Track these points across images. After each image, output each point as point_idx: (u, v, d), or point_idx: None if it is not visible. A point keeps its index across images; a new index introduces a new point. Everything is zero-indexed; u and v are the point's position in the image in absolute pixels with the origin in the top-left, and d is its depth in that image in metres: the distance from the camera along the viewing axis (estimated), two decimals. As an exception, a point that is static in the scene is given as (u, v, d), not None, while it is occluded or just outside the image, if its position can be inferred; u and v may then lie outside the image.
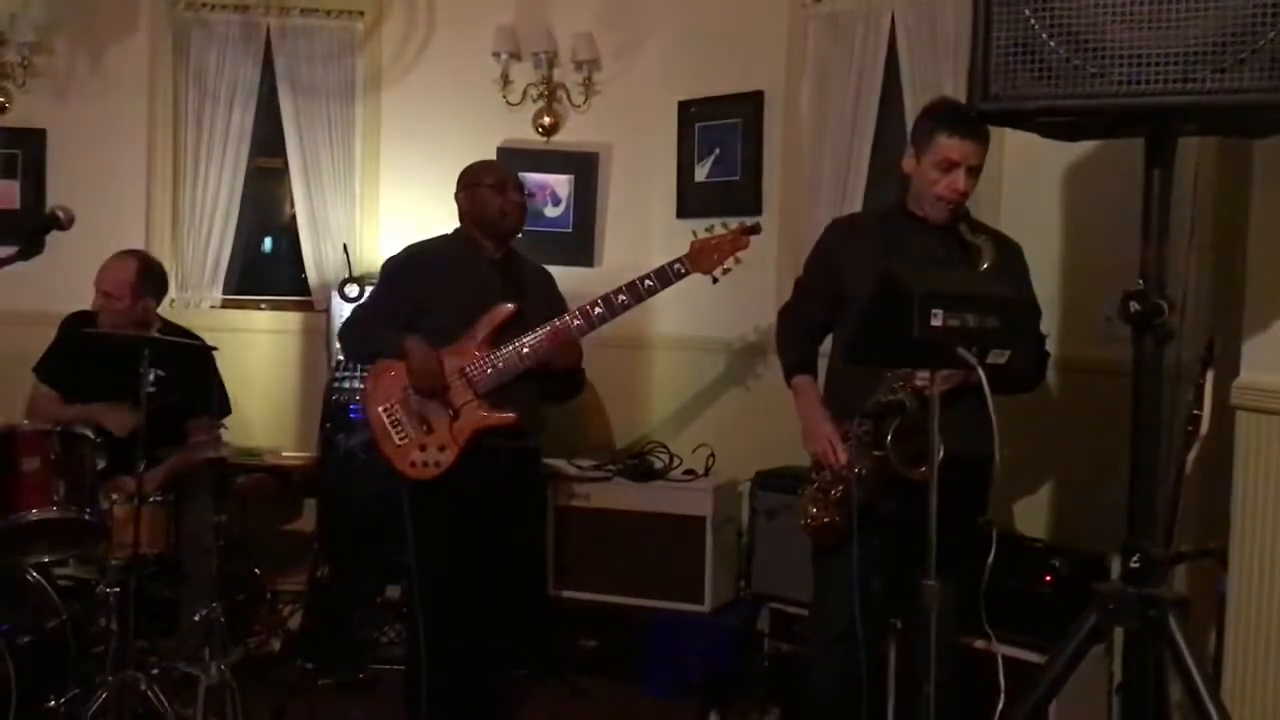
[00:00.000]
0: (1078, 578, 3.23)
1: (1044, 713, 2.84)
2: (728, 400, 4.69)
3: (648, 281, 3.48)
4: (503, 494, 3.51)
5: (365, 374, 3.79)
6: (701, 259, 3.50)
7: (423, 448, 3.44)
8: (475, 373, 3.44)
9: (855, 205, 4.45)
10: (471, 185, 3.57)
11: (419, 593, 3.50)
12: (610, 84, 5.00)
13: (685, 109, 4.86)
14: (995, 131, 3.03)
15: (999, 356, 2.31)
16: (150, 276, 4.05)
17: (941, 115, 2.96)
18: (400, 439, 3.46)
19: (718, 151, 4.79)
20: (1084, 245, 3.76)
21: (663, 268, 3.50)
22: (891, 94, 4.37)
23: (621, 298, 3.46)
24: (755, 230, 3.58)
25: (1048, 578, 3.31)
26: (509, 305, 3.46)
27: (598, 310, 3.47)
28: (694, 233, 3.53)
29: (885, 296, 2.28)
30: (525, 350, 3.44)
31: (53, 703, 3.40)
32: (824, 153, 4.51)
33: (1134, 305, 2.18)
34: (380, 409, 3.49)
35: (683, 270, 3.50)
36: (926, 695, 2.36)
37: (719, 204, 4.76)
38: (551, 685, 4.29)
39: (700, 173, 4.84)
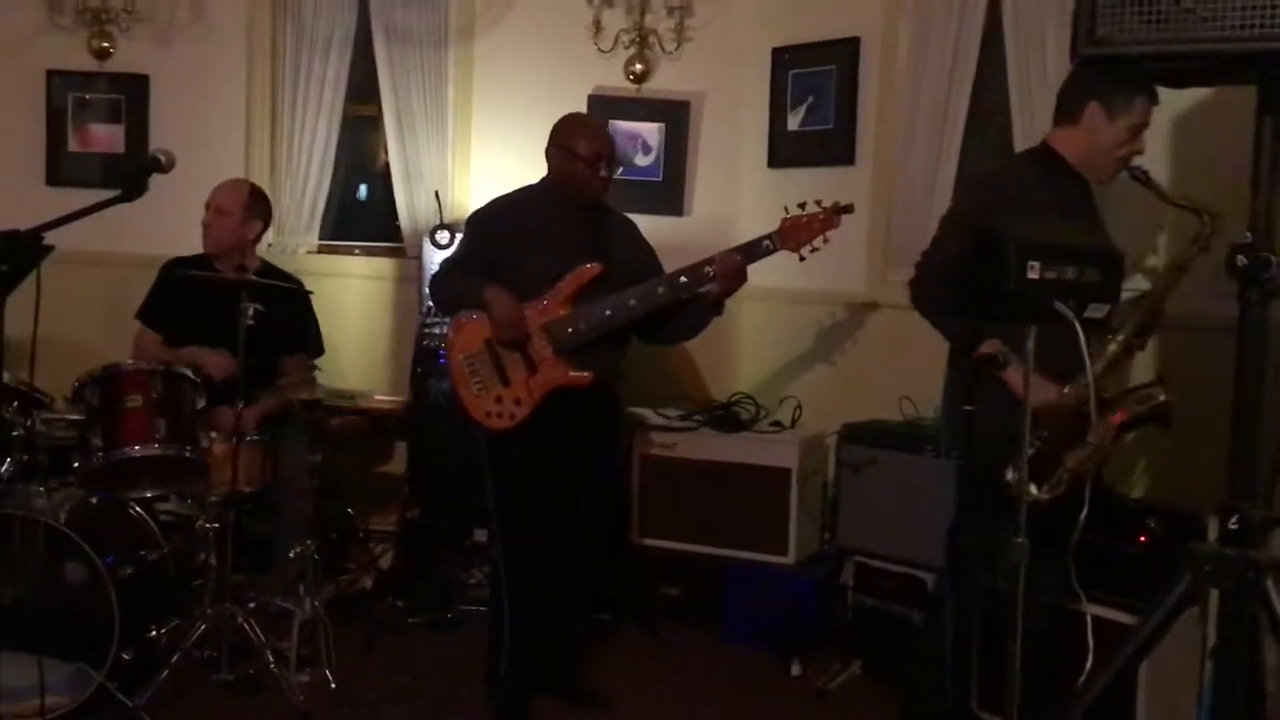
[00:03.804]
0: (1173, 538, 3.15)
1: (1133, 675, 2.80)
2: (816, 353, 4.65)
3: (735, 256, 3.44)
4: (580, 444, 3.53)
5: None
6: (790, 237, 3.44)
7: (499, 399, 3.47)
8: (557, 330, 3.45)
9: (952, 155, 4.36)
10: (565, 149, 3.51)
11: (498, 538, 3.56)
12: (703, 30, 4.93)
13: (779, 56, 4.79)
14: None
15: (1097, 310, 2.25)
16: (261, 199, 4.21)
17: (1142, 79, 2.85)
18: (477, 388, 3.49)
19: (811, 99, 4.72)
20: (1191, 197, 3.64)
21: (750, 243, 3.46)
22: (992, 40, 4.25)
23: (708, 269, 3.43)
24: (848, 210, 3.50)
25: (1142, 537, 3.24)
26: (596, 265, 3.45)
27: (683, 280, 3.45)
28: (785, 209, 3.47)
29: (981, 247, 2.24)
30: (608, 312, 3.44)
31: (154, 633, 3.54)
32: (921, 101, 4.42)
33: (1241, 259, 2.10)
34: (461, 356, 3.52)
35: (771, 247, 3.45)
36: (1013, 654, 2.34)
37: (811, 153, 4.71)
38: (632, 630, 4.34)
39: (793, 121, 4.77)
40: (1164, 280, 3.03)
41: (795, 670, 3.96)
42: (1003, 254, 2.17)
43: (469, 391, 3.51)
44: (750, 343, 4.92)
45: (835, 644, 4.05)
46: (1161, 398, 2.88)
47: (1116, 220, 3.25)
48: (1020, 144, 4.10)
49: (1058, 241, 2.25)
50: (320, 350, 4.27)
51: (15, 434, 3.32)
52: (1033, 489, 2.80)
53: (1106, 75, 2.93)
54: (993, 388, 2.90)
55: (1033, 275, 2.15)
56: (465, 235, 3.73)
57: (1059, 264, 2.17)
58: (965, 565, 3.11)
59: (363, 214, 5.49)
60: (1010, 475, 2.79)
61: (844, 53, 4.59)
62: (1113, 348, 2.91)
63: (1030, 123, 4.06)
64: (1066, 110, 3.05)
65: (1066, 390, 2.84)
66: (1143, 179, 3.00)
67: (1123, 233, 3.14)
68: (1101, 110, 2.95)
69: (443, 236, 4.60)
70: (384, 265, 5.22)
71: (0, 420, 3.27)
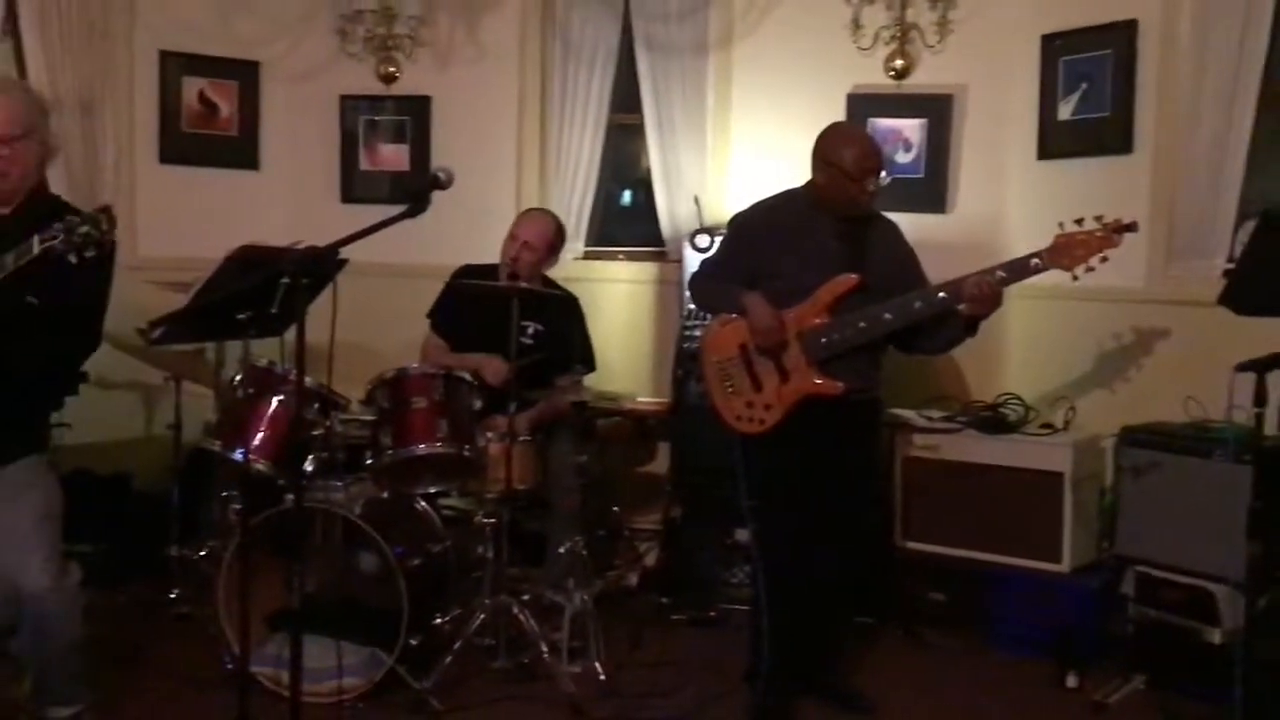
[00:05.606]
0: None
1: None
2: (1090, 352, 4.43)
3: (999, 273, 3.31)
4: (836, 449, 3.49)
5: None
6: (1063, 254, 3.25)
7: (749, 404, 3.49)
8: (811, 339, 3.43)
9: (1241, 143, 4.09)
10: (832, 164, 3.45)
11: (755, 539, 3.58)
12: (966, 21, 4.80)
13: (1049, 43, 4.60)
14: None
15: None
16: (562, 238, 4.45)
17: None
18: (729, 391, 3.53)
19: (1084, 87, 4.51)
20: None
21: (1018, 261, 3.32)
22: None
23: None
24: (1131, 228, 3.25)
25: None
26: (852, 277, 3.41)
27: (940, 295, 3.37)
28: (1060, 225, 3.28)
29: (1268, 237, 2.10)
30: (862, 324, 3.39)
31: (438, 621, 3.76)
32: (1205, 85, 4.15)
33: None
34: (715, 359, 3.57)
35: (1040, 265, 3.29)
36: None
37: (1085, 143, 4.51)
38: (896, 635, 4.28)
39: (1064, 110, 4.58)
40: None
41: (1071, 682, 3.80)
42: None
43: (721, 394, 3.56)
44: (1019, 341, 4.75)
45: (1115, 657, 3.86)
46: None
47: None
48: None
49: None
50: (592, 366, 4.37)
51: (316, 434, 3.59)
52: None
53: None
54: None
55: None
56: (725, 237, 3.78)
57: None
58: None
59: (626, 220, 5.64)
60: None
61: (1121, 36, 4.36)
62: None
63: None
64: None
65: None
66: None
67: None
68: None
69: (702, 240, 4.67)
70: (646, 269, 5.34)
71: (303, 421, 3.53)
